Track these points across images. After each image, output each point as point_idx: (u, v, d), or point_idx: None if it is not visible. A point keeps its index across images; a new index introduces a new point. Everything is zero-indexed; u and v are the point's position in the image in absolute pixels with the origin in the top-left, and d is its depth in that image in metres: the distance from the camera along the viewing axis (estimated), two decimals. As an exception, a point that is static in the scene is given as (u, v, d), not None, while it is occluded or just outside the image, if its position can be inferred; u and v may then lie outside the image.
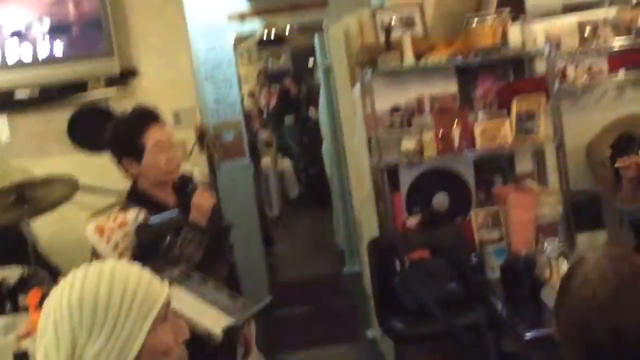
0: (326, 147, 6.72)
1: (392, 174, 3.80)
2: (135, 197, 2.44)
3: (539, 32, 3.78)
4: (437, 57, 3.69)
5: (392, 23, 3.79)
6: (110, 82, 4.11)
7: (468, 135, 3.64)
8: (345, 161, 5.22)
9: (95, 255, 2.27)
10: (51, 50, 3.96)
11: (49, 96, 4.11)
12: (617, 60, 3.86)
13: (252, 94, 10.10)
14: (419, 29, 3.87)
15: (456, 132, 3.61)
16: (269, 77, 10.55)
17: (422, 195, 3.83)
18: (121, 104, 4.05)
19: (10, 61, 3.95)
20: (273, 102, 9.94)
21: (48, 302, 1.23)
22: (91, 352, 1.17)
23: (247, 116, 6.58)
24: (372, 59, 3.69)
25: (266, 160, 8.20)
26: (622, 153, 3.39)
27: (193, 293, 2.12)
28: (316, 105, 7.62)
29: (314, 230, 7.92)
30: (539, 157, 3.91)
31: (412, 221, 3.74)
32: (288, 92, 9.76)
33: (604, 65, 3.88)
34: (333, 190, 6.42)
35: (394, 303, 3.35)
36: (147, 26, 4.21)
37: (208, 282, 2.22)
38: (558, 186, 3.74)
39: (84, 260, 1.39)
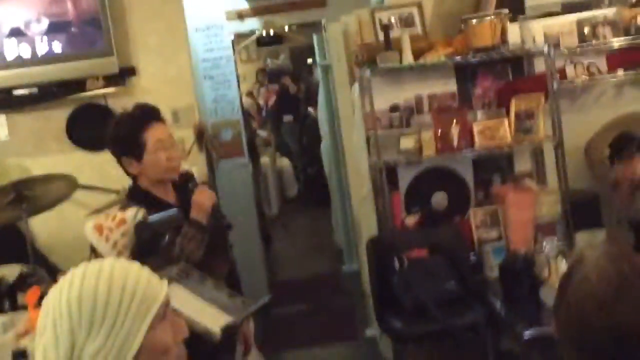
0: (325, 146, 6.72)
1: (391, 173, 3.80)
2: (136, 195, 2.44)
3: (537, 31, 3.78)
4: (436, 56, 3.70)
5: (391, 22, 3.79)
6: (109, 80, 4.11)
7: (467, 135, 3.65)
8: (344, 160, 5.22)
9: (94, 253, 2.27)
10: (50, 48, 3.97)
11: (47, 94, 4.11)
12: (616, 59, 3.86)
13: (250, 93, 10.10)
14: (418, 28, 3.87)
15: (455, 131, 3.62)
16: (267, 76, 10.55)
17: (421, 194, 3.83)
18: (120, 102, 4.04)
19: (9, 59, 3.95)
20: (272, 101, 9.94)
21: (47, 301, 1.22)
22: (90, 350, 1.16)
23: (246, 115, 6.58)
24: (371, 58, 3.69)
25: (265, 159, 8.20)
26: (621, 152, 3.40)
27: (192, 291, 2.12)
28: (315, 104, 7.61)
29: (313, 229, 7.92)
30: (537, 156, 3.92)
31: (411, 220, 3.74)
32: (287, 91, 9.76)
33: (602, 64, 3.88)
34: (332, 189, 6.42)
35: (393, 302, 3.35)
36: (145, 25, 4.21)
37: (207, 281, 2.22)
38: (557, 185, 3.74)
39: (83, 259, 1.39)
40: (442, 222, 3.74)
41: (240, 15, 5.83)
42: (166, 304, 1.26)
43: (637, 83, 3.92)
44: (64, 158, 4.17)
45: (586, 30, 3.80)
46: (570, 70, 3.83)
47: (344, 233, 6.08)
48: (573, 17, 3.84)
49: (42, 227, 4.05)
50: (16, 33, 3.95)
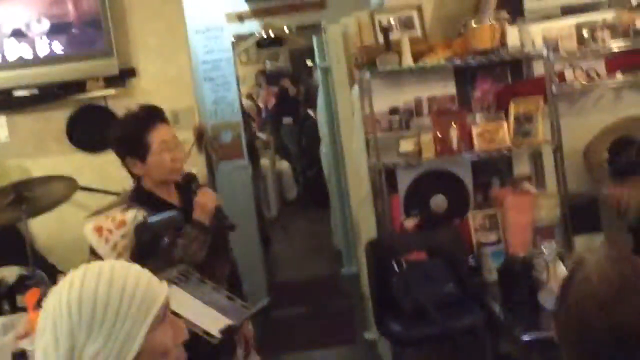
0: (324, 148, 6.72)
1: (390, 175, 3.80)
2: (140, 196, 2.44)
3: (537, 35, 3.78)
4: (436, 58, 3.70)
5: (391, 24, 3.79)
6: (109, 82, 4.11)
7: (466, 137, 3.65)
8: (344, 162, 5.22)
9: (93, 255, 2.27)
10: (50, 49, 3.97)
11: (47, 95, 4.11)
12: (615, 62, 3.87)
13: (250, 95, 10.10)
14: (417, 30, 3.88)
15: (454, 134, 3.62)
16: (267, 78, 10.55)
17: (420, 196, 3.83)
18: (120, 103, 4.05)
19: (10, 60, 3.95)
20: (271, 102, 9.95)
21: (47, 302, 1.23)
22: (90, 352, 1.17)
23: (246, 117, 6.58)
24: (371, 60, 3.69)
25: (264, 161, 8.20)
26: (619, 156, 3.40)
27: (191, 294, 2.12)
28: (314, 107, 7.62)
29: (312, 231, 7.92)
30: (536, 159, 3.92)
31: (410, 223, 3.74)
32: (286, 93, 9.77)
33: (601, 67, 3.88)
34: (331, 191, 6.42)
35: (392, 305, 3.35)
36: (146, 26, 4.22)
37: (206, 283, 2.22)
38: (556, 188, 3.75)
39: (83, 260, 1.39)
40: (441, 225, 3.74)
41: (240, 17, 5.84)
42: (166, 306, 1.26)
43: (636, 87, 3.92)
44: (64, 159, 4.17)
45: (585, 33, 3.81)
46: (569, 74, 3.83)
47: (343, 235, 6.08)
48: (572, 21, 3.84)
49: (41, 228, 4.05)
50: (17, 34, 3.95)
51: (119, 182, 2.66)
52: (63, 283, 1.23)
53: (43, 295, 2.37)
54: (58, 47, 3.97)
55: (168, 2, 4.26)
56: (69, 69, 3.99)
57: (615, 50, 3.81)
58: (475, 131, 3.66)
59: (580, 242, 3.58)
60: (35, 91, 4.10)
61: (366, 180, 3.90)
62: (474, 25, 3.61)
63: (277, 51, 11.15)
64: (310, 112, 8.97)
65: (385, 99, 3.81)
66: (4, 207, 3.37)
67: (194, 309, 2.06)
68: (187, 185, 2.52)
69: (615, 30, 3.81)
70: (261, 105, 10.08)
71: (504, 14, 3.67)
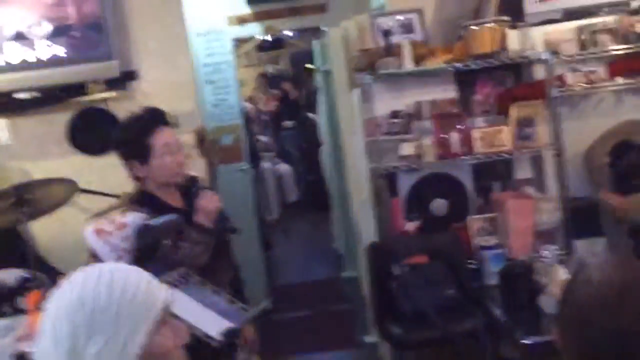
0: (325, 151, 6.72)
1: (391, 178, 3.81)
2: (142, 198, 2.45)
3: (537, 38, 3.79)
4: (436, 62, 3.70)
5: (392, 28, 3.80)
6: (110, 84, 4.11)
7: (467, 141, 3.65)
8: (344, 165, 5.22)
9: (93, 257, 2.27)
10: (51, 52, 3.97)
11: (49, 98, 4.11)
12: (616, 67, 3.87)
13: (251, 98, 10.11)
14: (418, 34, 3.88)
15: (455, 137, 3.62)
16: (268, 81, 10.56)
17: (421, 200, 3.83)
18: (121, 106, 4.04)
19: (11, 63, 3.95)
20: (272, 106, 9.95)
21: (47, 305, 1.23)
22: (90, 354, 1.17)
23: (246, 120, 6.59)
24: (371, 64, 3.70)
25: (265, 164, 8.20)
26: (620, 159, 3.41)
27: (191, 296, 2.12)
28: (315, 110, 7.62)
29: (313, 235, 7.91)
30: (537, 163, 3.92)
31: (411, 226, 3.74)
32: (287, 96, 9.77)
33: (602, 71, 3.89)
34: (332, 195, 6.42)
35: (392, 308, 3.35)
36: (147, 29, 4.22)
37: (207, 286, 2.22)
38: (556, 192, 3.75)
39: (83, 263, 1.40)
40: (441, 229, 3.74)
41: (241, 20, 5.84)
42: (166, 308, 1.26)
43: (637, 91, 3.92)
44: (65, 162, 4.17)
45: (586, 37, 3.81)
46: (570, 78, 3.84)
47: (344, 239, 6.08)
48: (573, 25, 3.85)
49: (42, 231, 4.05)
50: (18, 36, 3.95)
51: (119, 184, 2.66)
52: (64, 285, 1.23)
53: (44, 297, 2.37)
54: (59, 50, 3.97)
55: (169, 5, 4.26)
56: (70, 71, 3.99)
57: (616, 54, 3.82)
58: (475, 135, 3.66)
59: (581, 246, 3.58)
60: (37, 94, 4.10)
61: (367, 184, 3.90)
62: (475, 29, 3.62)
63: (278, 54, 11.16)
64: (311, 115, 8.98)
65: (386, 103, 3.82)
66: (5, 210, 3.37)
67: (194, 311, 2.06)
68: (189, 188, 2.53)
69: (615, 34, 3.81)
70: (262, 108, 10.08)
71: (505, 18, 3.68)
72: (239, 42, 6.44)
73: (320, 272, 6.51)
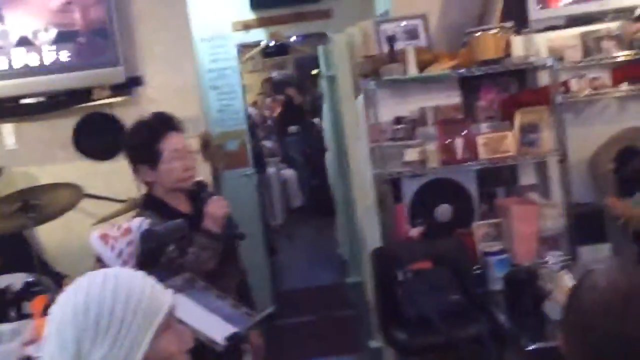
0: (330, 156, 6.73)
1: (395, 184, 3.81)
2: (150, 203, 2.46)
3: (542, 45, 3.79)
4: (440, 68, 3.71)
5: (396, 34, 3.81)
6: (116, 90, 4.13)
7: (471, 147, 3.65)
8: (349, 171, 5.22)
9: (99, 262, 2.28)
10: (57, 58, 3.99)
11: (54, 104, 4.13)
12: (621, 73, 3.87)
13: (256, 103, 10.13)
14: (422, 40, 3.89)
15: (459, 143, 3.62)
16: (273, 87, 10.58)
17: (425, 206, 3.83)
18: (126, 112, 4.07)
19: (17, 68, 3.97)
20: (277, 111, 9.97)
21: (53, 309, 1.24)
22: (95, 358, 1.17)
23: (251, 125, 6.60)
24: (376, 70, 3.71)
25: (270, 170, 8.22)
26: (625, 165, 3.41)
27: (196, 301, 2.13)
28: (320, 115, 7.64)
29: (317, 240, 7.92)
30: (542, 169, 3.92)
31: (415, 232, 3.74)
32: (292, 102, 9.79)
33: (607, 78, 3.89)
34: (336, 200, 6.43)
35: (397, 314, 3.35)
36: (152, 35, 4.24)
37: (211, 291, 2.23)
38: (561, 198, 3.74)
39: (89, 268, 1.40)
40: (445, 234, 3.74)
41: (246, 26, 5.86)
42: (171, 313, 1.27)
43: (642, 97, 3.92)
44: (71, 167, 4.19)
45: (590, 44, 3.82)
46: (574, 84, 3.84)
47: (349, 244, 6.08)
48: (577, 31, 3.85)
49: (48, 235, 4.06)
50: (24, 42, 3.98)
51: (125, 190, 2.68)
52: (69, 290, 1.24)
53: (49, 302, 2.38)
54: (65, 56, 3.99)
55: (174, 10, 4.28)
56: (76, 77, 4.01)
57: (621, 60, 3.82)
58: (480, 141, 3.66)
59: (586, 252, 3.57)
60: (43, 99, 4.12)
61: (371, 190, 3.90)
62: (479, 35, 3.62)
63: (282, 60, 11.19)
64: (316, 120, 8.99)
65: (390, 109, 3.82)
66: (11, 215, 3.38)
67: (198, 316, 2.06)
68: (198, 193, 2.53)
69: (620, 40, 3.81)
70: (267, 113, 10.11)
71: (509, 24, 3.68)
72: (244, 47, 6.46)
73: (324, 277, 6.51)
